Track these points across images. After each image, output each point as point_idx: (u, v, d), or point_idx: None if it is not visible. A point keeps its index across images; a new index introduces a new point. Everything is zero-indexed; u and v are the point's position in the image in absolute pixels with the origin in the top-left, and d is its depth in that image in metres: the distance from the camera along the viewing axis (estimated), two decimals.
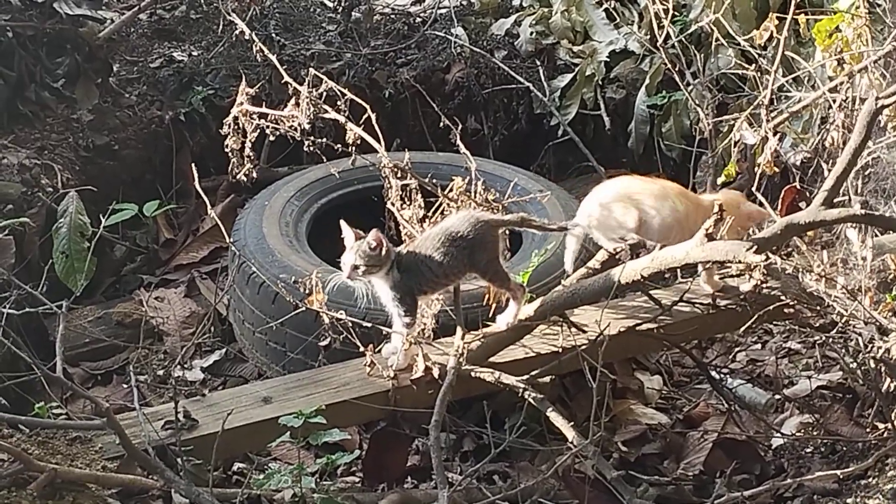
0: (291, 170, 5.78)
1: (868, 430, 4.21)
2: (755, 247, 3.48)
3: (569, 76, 6.28)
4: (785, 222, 3.61)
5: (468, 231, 3.81)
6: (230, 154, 4.44)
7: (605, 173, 5.65)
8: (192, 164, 4.45)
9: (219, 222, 4.26)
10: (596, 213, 4.13)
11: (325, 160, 4.43)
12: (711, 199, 4.01)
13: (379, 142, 4.25)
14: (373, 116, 4.27)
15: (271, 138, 4.33)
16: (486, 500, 3.63)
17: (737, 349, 5.01)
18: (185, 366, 5.01)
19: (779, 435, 4.29)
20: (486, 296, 4.15)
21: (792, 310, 3.88)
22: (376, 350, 3.95)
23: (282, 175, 5.53)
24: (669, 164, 5.90)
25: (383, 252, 3.77)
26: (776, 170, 4.30)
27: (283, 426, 3.56)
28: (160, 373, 4.94)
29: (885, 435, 3.93)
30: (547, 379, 4.20)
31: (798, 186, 4.41)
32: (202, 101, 6.14)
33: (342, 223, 3.97)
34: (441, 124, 4.59)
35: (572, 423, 3.74)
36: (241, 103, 4.41)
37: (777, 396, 4.59)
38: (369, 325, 3.97)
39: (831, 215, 3.56)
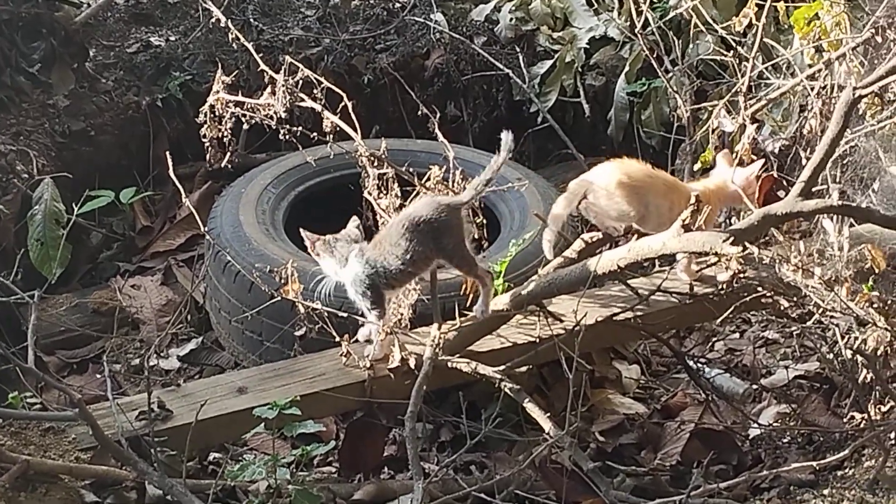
0: (269, 156, 5.74)
1: (845, 420, 4.21)
2: (732, 238, 3.47)
3: (548, 63, 6.26)
4: (762, 213, 3.60)
5: (431, 215, 3.78)
6: (207, 143, 4.42)
7: (585, 161, 5.62)
8: (168, 151, 4.43)
9: (193, 211, 4.21)
10: (595, 200, 4.05)
11: (302, 147, 4.39)
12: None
13: (356, 130, 4.22)
14: (349, 104, 4.25)
15: (246, 126, 4.29)
16: (462, 491, 3.61)
17: (715, 338, 5.01)
18: (162, 354, 4.97)
19: (756, 425, 4.29)
20: (464, 285, 4.13)
21: (769, 300, 3.86)
22: (352, 339, 3.93)
23: (260, 161, 5.49)
24: (649, 152, 5.87)
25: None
26: (754, 158, 4.28)
27: (258, 417, 3.54)
28: (136, 362, 4.91)
29: (862, 425, 3.92)
30: (524, 369, 4.20)
31: (776, 175, 4.39)
32: (179, 87, 6.09)
33: (302, 232, 3.97)
34: (420, 111, 4.57)
35: (549, 414, 3.73)
36: (217, 91, 4.38)
37: (755, 386, 4.59)
38: (345, 314, 3.96)
39: (808, 206, 3.55)
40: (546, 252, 4.16)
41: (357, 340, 3.97)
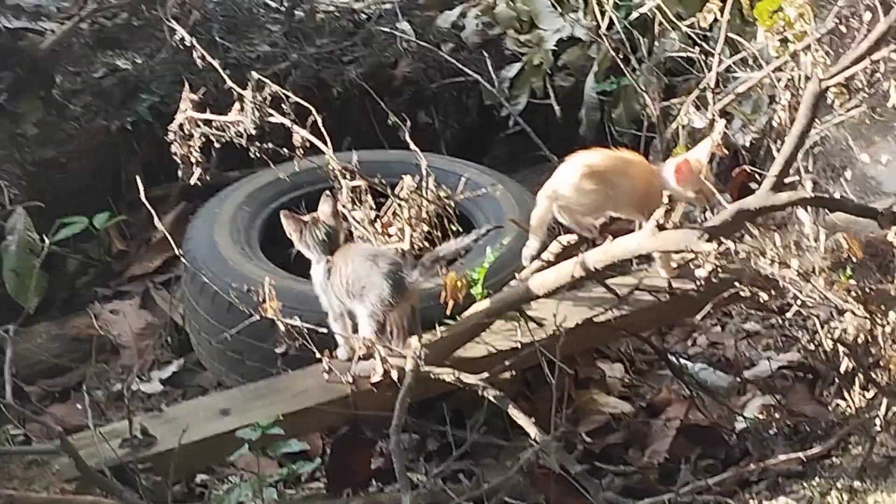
0: (242, 174, 5.71)
1: (830, 408, 4.22)
2: (706, 235, 3.47)
3: (517, 66, 6.25)
4: (735, 208, 3.60)
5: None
6: (178, 160, 4.41)
7: (559, 162, 5.61)
8: (139, 175, 4.42)
9: (166, 233, 4.20)
10: (563, 199, 4.09)
11: (273, 164, 4.38)
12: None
13: (326, 143, 4.21)
14: (318, 118, 4.24)
15: (217, 145, 4.28)
16: (451, 502, 3.60)
17: (696, 333, 5.00)
18: (144, 378, 4.95)
19: (742, 418, 4.29)
20: (442, 293, 4.12)
21: (748, 293, 3.86)
22: (332, 356, 3.93)
23: (233, 179, 5.46)
24: (622, 145, 5.86)
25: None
26: (725, 152, 4.29)
27: (242, 438, 3.52)
28: (118, 387, 4.88)
29: (847, 413, 3.93)
30: (508, 374, 4.19)
31: (748, 168, 4.40)
32: (149, 109, 6.04)
33: (282, 214, 4.05)
34: (391, 121, 4.56)
35: (534, 418, 3.72)
36: (186, 109, 4.38)
37: (738, 379, 4.60)
38: (325, 330, 3.95)
39: (781, 199, 3.55)
40: (525, 264, 4.17)
41: (336, 356, 3.95)
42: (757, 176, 4.36)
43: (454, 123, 6.37)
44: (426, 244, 4.29)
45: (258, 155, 4.20)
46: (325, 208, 4.04)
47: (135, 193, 5.74)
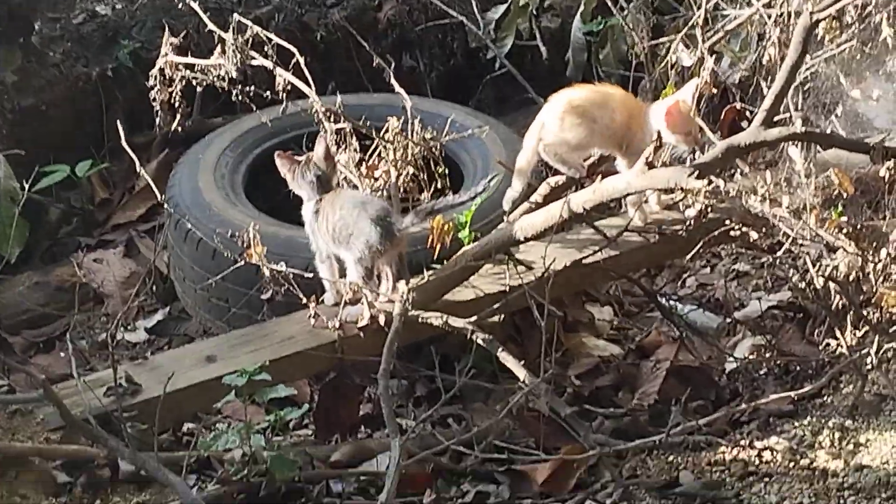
0: (226, 120, 5.64)
1: (821, 348, 4.18)
2: (696, 172, 3.42)
3: (503, 7, 6.16)
4: (725, 145, 3.55)
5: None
6: (159, 107, 4.36)
7: (548, 99, 5.55)
8: (119, 121, 4.36)
9: (149, 180, 4.14)
10: (548, 138, 4.03)
11: (256, 109, 4.33)
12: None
13: (309, 86, 4.15)
14: (301, 60, 4.18)
15: (199, 89, 4.21)
16: (440, 446, 3.57)
17: (686, 274, 4.96)
18: (129, 327, 4.90)
19: (732, 359, 4.26)
20: (430, 237, 4.07)
21: (738, 232, 3.82)
22: (319, 301, 3.88)
23: (216, 126, 5.39)
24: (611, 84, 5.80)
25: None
26: (714, 90, 4.22)
27: (228, 385, 3.48)
28: (103, 337, 4.83)
29: (838, 352, 3.89)
30: (497, 318, 4.15)
31: (738, 106, 4.34)
32: (129, 56, 5.95)
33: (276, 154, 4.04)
34: (375, 64, 4.50)
35: (524, 362, 3.69)
36: (166, 54, 4.31)
37: (728, 320, 4.56)
38: (311, 276, 3.90)
39: (772, 135, 3.50)
40: (505, 207, 4.11)
41: (323, 302, 3.91)
42: (747, 114, 4.31)
43: (439, 66, 6.30)
44: (412, 187, 4.25)
45: (241, 99, 4.12)
46: (318, 150, 4.01)
47: (117, 141, 5.77)
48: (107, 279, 5.09)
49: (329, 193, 3.92)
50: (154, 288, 5.05)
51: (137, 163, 4.05)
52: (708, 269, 4.99)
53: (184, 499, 3.20)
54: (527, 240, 3.89)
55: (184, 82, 4.26)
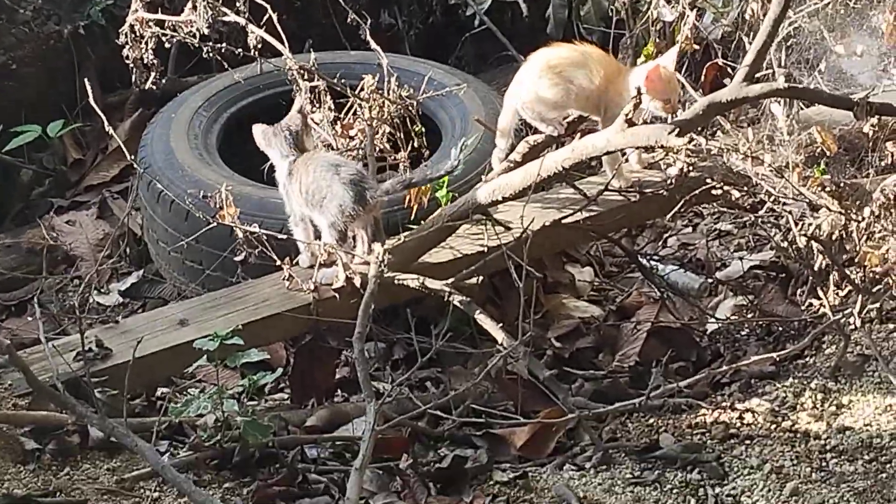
0: (200, 79, 5.55)
1: (803, 308, 4.13)
2: (677, 129, 3.35)
3: None
4: (707, 101, 3.48)
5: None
6: (132, 65, 4.27)
7: (527, 58, 5.46)
8: (89, 80, 4.28)
9: (120, 142, 4.06)
10: (525, 96, 3.97)
11: (229, 67, 4.24)
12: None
13: (283, 43, 4.06)
14: (275, 17, 4.08)
15: (170, 46, 4.12)
16: (417, 410, 3.51)
17: (667, 234, 4.90)
18: (102, 290, 4.82)
19: (713, 320, 4.20)
20: (407, 197, 4.00)
21: (720, 191, 3.75)
22: (293, 263, 3.81)
23: (191, 84, 5.30)
24: (592, 42, 5.71)
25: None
26: (696, 47, 4.15)
27: (200, 350, 3.40)
28: (76, 300, 4.75)
29: (821, 312, 3.83)
30: (476, 280, 4.08)
31: (720, 63, 4.26)
32: (101, 13, 5.83)
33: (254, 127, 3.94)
34: (352, 21, 4.40)
35: (503, 325, 3.63)
36: (136, 10, 4.21)
37: (710, 280, 4.50)
38: (285, 237, 3.83)
39: (754, 91, 3.42)
40: (494, 166, 4.05)
41: (297, 264, 3.84)
42: (729, 71, 4.24)
43: (418, 24, 6.21)
44: (389, 146, 4.17)
45: (214, 57, 4.03)
46: (293, 109, 3.95)
47: (89, 100, 5.72)
48: (79, 241, 5.02)
49: (304, 155, 3.84)
50: (128, 250, 4.98)
51: (106, 123, 3.92)
52: (690, 229, 4.92)
53: (153, 466, 3.14)
54: (504, 200, 3.82)
55: (155, 40, 4.15)
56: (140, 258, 4.93)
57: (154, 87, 4.25)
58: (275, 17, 4.06)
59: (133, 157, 4.18)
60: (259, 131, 3.93)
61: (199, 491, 3.09)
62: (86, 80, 4.29)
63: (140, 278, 4.88)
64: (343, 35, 5.95)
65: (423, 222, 3.97)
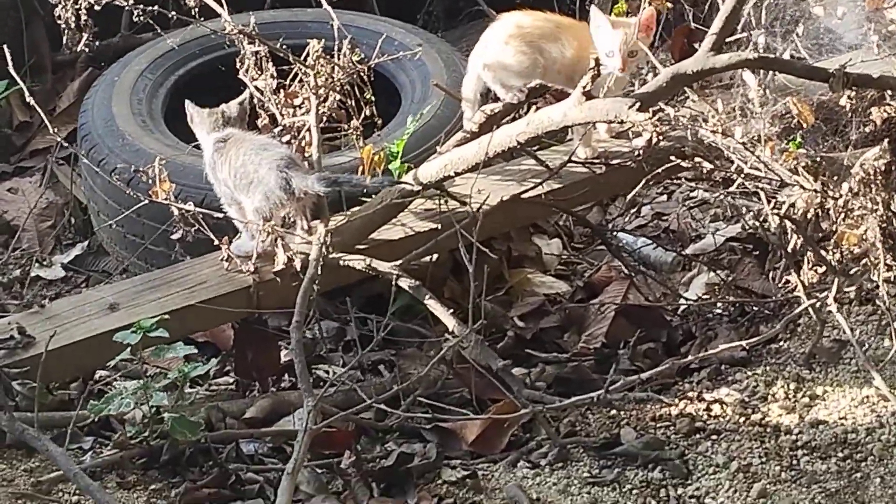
0: (156, 36, 5.25)
1: (779, 285, 3.90)
2: (638, 103, 3.09)
3: None
4: (671, 73, 3.22)
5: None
6: (63, 25, 4.00)
7: (497, 17, 5.19)
8: (37, 37, 4.07)
9: (41, 116, 3.80)
10: (489, 58, 3.72)
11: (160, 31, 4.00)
12: None
13: (221, 3, 3.79)
14: None
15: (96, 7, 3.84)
16: (361, 405, 3.27)
17: (640, 203, 4.63)
18: (44, 263, 4.57)
19: (684, 300, 3.96)
20: (361, 168, 3.74)
21: (691, 164, 3.50)
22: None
23: (146, 41, 5.01)
24: (565, 3, 5.44)
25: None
26: (669, 5, 3.88)
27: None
28: (17, 273, 4.51)
29: (797, 291, 3.58)
30: (431, 258, 3.84)
31: (692, 26, 3.99)
32: None
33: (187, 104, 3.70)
34: None
35: (466, 301, 3.37)
36: None
37: (684, 253, 4.26)
38: (222, 216, 3.58)
39: (721, 61, 3.17)
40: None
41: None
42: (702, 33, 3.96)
43: None
44: (340, 114, 3.90)
45: (142, 20, 3.75)
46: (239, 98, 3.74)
47: (38, 59, 5.45)
48: (21, 211, 4.75)
49: (234, 136, 3.58)
50: (72, 220, 4.72)
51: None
52: (665, 198, 4.66)
53: (65, 472, 2.90)
54: (457, 174, 3.56)
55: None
56: (86, 228, 4.69)
57: (87, 50, 3.97)
58: None
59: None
60: (191, 108, 3.72)
61: (115, 499, 2.86)
62: (39, 39, 4.02)
63: (85, 250, 4.63)
64: None
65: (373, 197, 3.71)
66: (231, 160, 3.52)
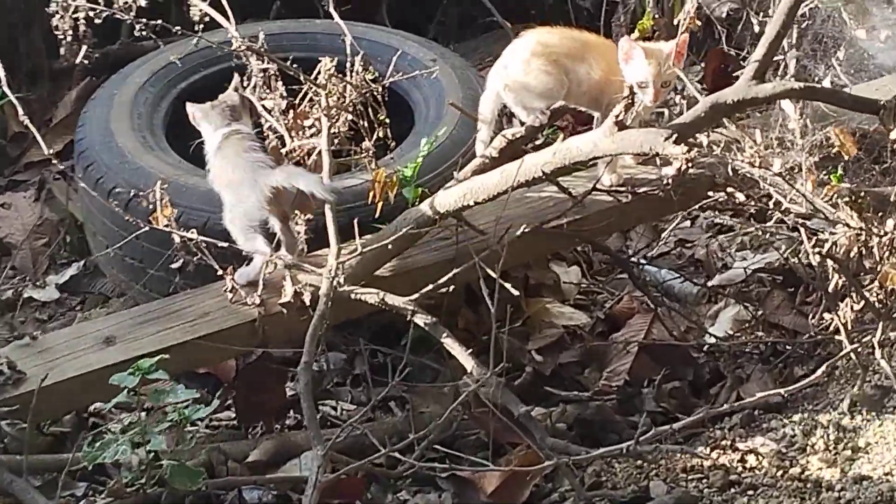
0: (157, 44, 5.05)
1: (813, 320, 3.69)
2: (675, 135, 2.88)
3: None
4: (710, 102, 3.02)
5: None
6: (62, 37, 3.80)
7: (513, 29, 5.00)
8: (35, 44, 3.89)
9: (35, 131, 3.58)
10: (510, 78, 3.52)
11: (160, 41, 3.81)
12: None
13: (227, 17, 3.59)
14: None
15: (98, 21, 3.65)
16: (375, 457, 3.04)
17: (662, 228, 4.42)
18: (38, 284, 4.36)
19: (711, 338, 3.76)
20: (371, 192, 3.53)
21: (723, 194, 3.30)
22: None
23: (148, 50, 4.80)
24: (583, 16, 5.27)
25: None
26: (699, 24, 3.68)
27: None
28: (10, 294, 4.30)
29: (832, 331, 3.37)
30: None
31: (725, 48, 3.78)
32: None
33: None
34: None
35: (480, 333, 3.18)
36: None
37: (710, 284, 4.06)
38: (227, 245, 3.37)
39: (764, 91, 2.97)
40: (478, 152, 3.60)
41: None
42: (735, 55, 3.78)
43: None
44: (350, 138, 3.69)
45: (144, 31, 3.56)
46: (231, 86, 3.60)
47: (35, 66, 5.25)
48: (14, 227, 4.54)
49: (234, 137, 3.43)
50: (67, 238, 4.51)
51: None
52: (688, 223, 4.45)
53: None
54: (477, 204, 3.36)
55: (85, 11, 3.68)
56: (81, 247, 4.46)
57: (86, 62, 3.77)
58: None
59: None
60: (194, 107, 3.55)
61: None
62: (36, 46, 3.83)
63: (80, 270, 4.41)
64: None
65: (387, 223, 3.50)
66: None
